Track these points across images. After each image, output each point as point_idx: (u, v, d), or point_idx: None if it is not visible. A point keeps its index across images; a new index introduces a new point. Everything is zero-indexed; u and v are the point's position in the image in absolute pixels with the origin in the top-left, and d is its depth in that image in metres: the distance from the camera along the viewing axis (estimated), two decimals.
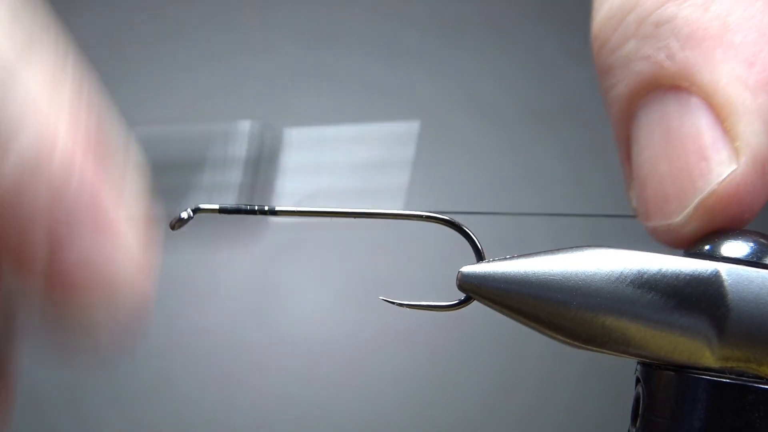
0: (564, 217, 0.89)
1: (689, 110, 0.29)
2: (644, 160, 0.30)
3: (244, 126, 0.36)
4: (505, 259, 0.30)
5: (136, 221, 0.28)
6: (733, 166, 0.29)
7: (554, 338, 0.30)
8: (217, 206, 0.32)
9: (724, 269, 0.29)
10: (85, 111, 0.28)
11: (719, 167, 0.29)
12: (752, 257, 0.30)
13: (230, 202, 0.33)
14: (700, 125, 0.29)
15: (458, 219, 0.32)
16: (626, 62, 0.30)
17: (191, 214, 0.32)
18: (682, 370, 0.30)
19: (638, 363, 0.31)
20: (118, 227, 0.27)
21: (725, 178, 0.29)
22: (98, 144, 0.28)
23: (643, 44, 0.30)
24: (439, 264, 0.76)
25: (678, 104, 0.29)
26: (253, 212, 0.32)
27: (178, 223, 0.32)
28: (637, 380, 0.31)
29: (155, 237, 0.29)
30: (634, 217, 0.32)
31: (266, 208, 0.32)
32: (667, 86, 0.30)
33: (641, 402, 0.31)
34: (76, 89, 0.28)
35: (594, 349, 0.30)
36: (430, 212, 0.32)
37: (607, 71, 0.31)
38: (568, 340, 0.30)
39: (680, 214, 0.30)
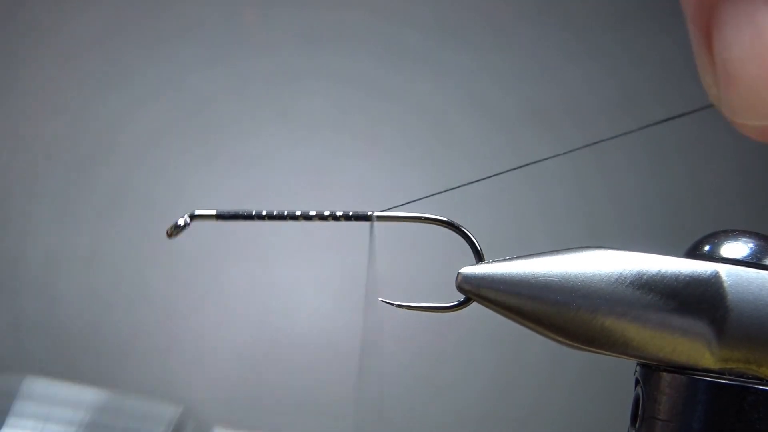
0: (563, 218, 0.89)
1: None
2: (732, 58, 0.29)
3: (170, 413, 0.36)
4: (505, 260, 0.30)
5: None
6: None
7: (554, 339, 0.30)
8: (213, 212, 0.32)
9: (724, 270, 0.29)
10: None
11: None
12: (752, 258, 0.30)
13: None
14: None
15: (453, 212, 0.32)
16: None
17: (188, 220, 0.32)
18: (681, 371, 0.29)
19: (638, 364, 0.31)
20: None
21: None
22: None
23: None
24: (438, 265, 0.76)
25: (766, 3, 0.28)
26: (250, 218, 0.32)
27: (174, 231, 0.32)
28: (637, 381, 0.31)
29: None
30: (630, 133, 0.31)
31: (264, 212, 0.32)
32: None
33: (641, 403, 0.30)
34: None
35: (593, 350, 0.30)
36: (428, 213, 0.32)
37: None
38: (568, 342, 0.30)
39: None
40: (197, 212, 0.32)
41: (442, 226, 0.32)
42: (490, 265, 0.30)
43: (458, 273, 0.30)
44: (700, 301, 0.29)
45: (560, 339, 0.30)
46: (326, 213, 0.32)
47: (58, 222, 0.88)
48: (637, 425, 0.31)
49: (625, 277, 0.29)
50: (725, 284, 0.29)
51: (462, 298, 0.31)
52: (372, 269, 0.33)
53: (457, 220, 0.32)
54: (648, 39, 0.89)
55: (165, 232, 0.32)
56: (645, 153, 0.91)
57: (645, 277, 0.29)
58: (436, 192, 0.32)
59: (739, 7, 0.28)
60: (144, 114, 0.90)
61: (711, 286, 0.29)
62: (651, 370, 0.30)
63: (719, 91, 0.29)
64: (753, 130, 0.29)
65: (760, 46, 0.28)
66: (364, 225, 0.32)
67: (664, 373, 0.30)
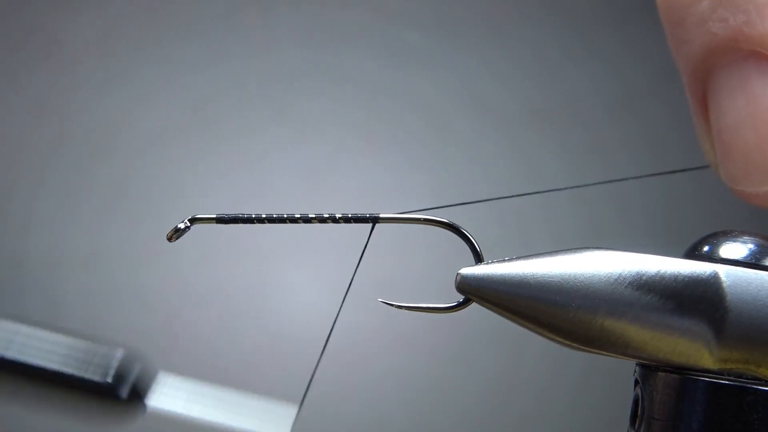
0: (563, 218, 0.89)
1: None
2: (727, 126, 0.29)
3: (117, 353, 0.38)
4: (504, 260, 0.30)
5: None
6: None
7: (553, 340, 0.30)
8: (214, 215, 0.32)
9: (723, 271, 0.29)
10: None
11: None
12: (751, 259, 0.30)
13: None
14: None
15: (453, 213, 0.32)
16: (701, 22, 0.29)
17: (188, 224, 0.32)
18: (680, 371, 0.30)
19: (637, 365, 0.31)
20: None
21: None
22: None
23: (719, 6, 0.29)
24: (437, 266, 0.76)
25: (759, 72, 0.29)
26: (250, 221, 0.32)
27: (175, 234, 0.32)
28: (636, 382, 0.31)
29: None
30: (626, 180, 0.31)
31: (263, 216, 0.32)
32: (747, 51, 0.29)
33: (640, 404, 0.31)
34: None
35: (593, 350, 0.30)
36: (429, 214, 0.32)
37: (677, 24, 0.30)
38: (567, 342, 0.30)
39: None
40: (198, 216, 0.32)
41: (441, 227, 0.32)
42: (489, 265, 0.30)
43: (457, 274, 0.30)
44: (699, 301, 0.29)
45: (560, 339, 0.30)
46: (326, 215, 0.32)
47: (58, 222, 0.88)
48: (636, 425, 0.31)
49: (625, 278, 0.29)
50: (724, 285, 0.29)
51: (461, 298, 0.31)
52: (358, 269, 0.33)
53: (456, 221, 0.32)
54: (650, 37, 0.89)
55: (165, 235, 0.32)
56: (645, 153, 0.91)
57: (644, 277, 0.29)
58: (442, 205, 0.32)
59: (733, 75, 0.29)
60: (144, 114, 0.90)
61: (710, 287, 0.29)
62: (650, 370, 0.30)
63: (716, 157, 0.30)
64: (752, 196, 0.29)
65: (754, 114, 0.29)
66: (365, 226, 0.32)
67: (664, 374, 0.30)
